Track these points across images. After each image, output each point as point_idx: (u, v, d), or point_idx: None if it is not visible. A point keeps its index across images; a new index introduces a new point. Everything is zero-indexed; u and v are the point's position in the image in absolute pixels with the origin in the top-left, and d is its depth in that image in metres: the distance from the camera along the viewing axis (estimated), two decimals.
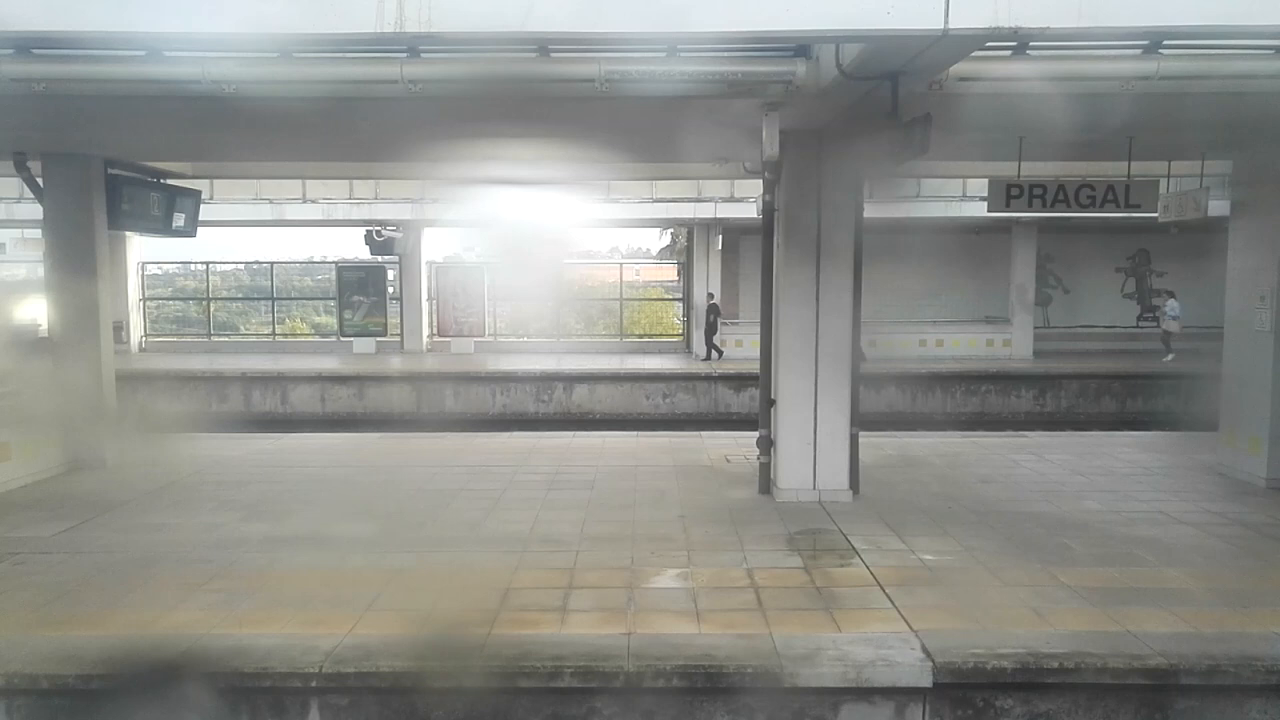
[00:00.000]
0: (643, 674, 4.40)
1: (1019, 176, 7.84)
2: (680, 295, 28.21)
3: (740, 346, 20.78)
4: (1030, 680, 4.40)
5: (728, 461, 9.10)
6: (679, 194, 18.59)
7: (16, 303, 23.77)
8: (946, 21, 4.12)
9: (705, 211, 18.63)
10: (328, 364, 19.50)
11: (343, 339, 22.38)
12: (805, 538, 6.45)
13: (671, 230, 30.51)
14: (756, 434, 10.48)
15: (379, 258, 21.92)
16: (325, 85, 5.67)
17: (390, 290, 22.82)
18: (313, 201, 18.82)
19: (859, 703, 4.45)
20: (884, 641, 4.62)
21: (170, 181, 10.03)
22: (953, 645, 4.53)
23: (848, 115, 6.33)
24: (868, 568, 5.78)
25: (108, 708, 4.43)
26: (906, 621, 4.87)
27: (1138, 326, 22.75)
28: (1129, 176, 7.74)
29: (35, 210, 18.09)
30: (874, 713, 4.45)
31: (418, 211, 19.57)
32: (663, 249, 33.34)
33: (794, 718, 4.48)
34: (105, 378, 8.82)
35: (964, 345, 21.25)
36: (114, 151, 8.91)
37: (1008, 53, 5.50)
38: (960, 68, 5.37)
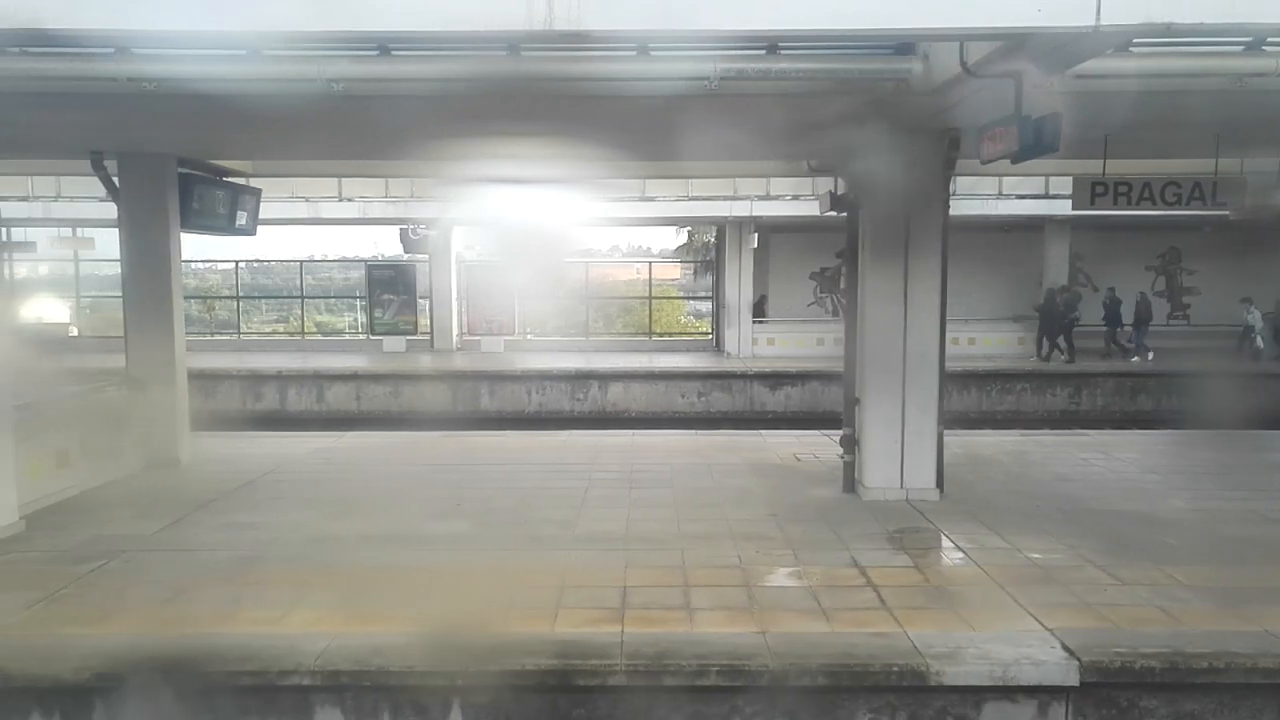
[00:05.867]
0: (787, 672, 4.39)
1: (1104, 174, 7.81)
2: (709, 294, 28.29)
3: (772, 345, 20.82)
4: (1178, 680, 4.39)
5: (798, 460, 9.09)
6: (714, 192, 18.57)
7: (40, 302, 23.93)
8: (1098, 17, 4.09)
9: (741, 210, 18.61)
10: (360, 363, 19.51)
11: (372, 337, 22.39)
12: (906, 536, 6.43)
13: (689, 229, 30.57)
14: (818, 432, 10.64)
15: (408, 256, 21.94)
16: (433, 84, 5.68)
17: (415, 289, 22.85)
18: (349, 200, 18.81)
19: (1001, 701, 4.44)
20: (1023, 640, 4.61)
21: (234, 180, 10.03)
22: (1094, 644, 4.52)
23: (944, 112, 6.32)
24: (979, 566, 5.77)
25: (253, 704, 4.43)
26: (1037, 620, 4.86)
27: (1168, 325, 22.67)
28: (1215, 173, 7.71)
29: (71, 209, 18.35)
30: (1017, 711, 4.45)
31: (447, 210, 19.57)
32: (679, 247, 33.32)
33: (936, 716, 4.47)
34: (179, 377, 8.83)
35: (995, 344, 21.21)
36: (185, 150, 8.91)
37: (1109, 49, 5.47)
38: None
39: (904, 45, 5.67)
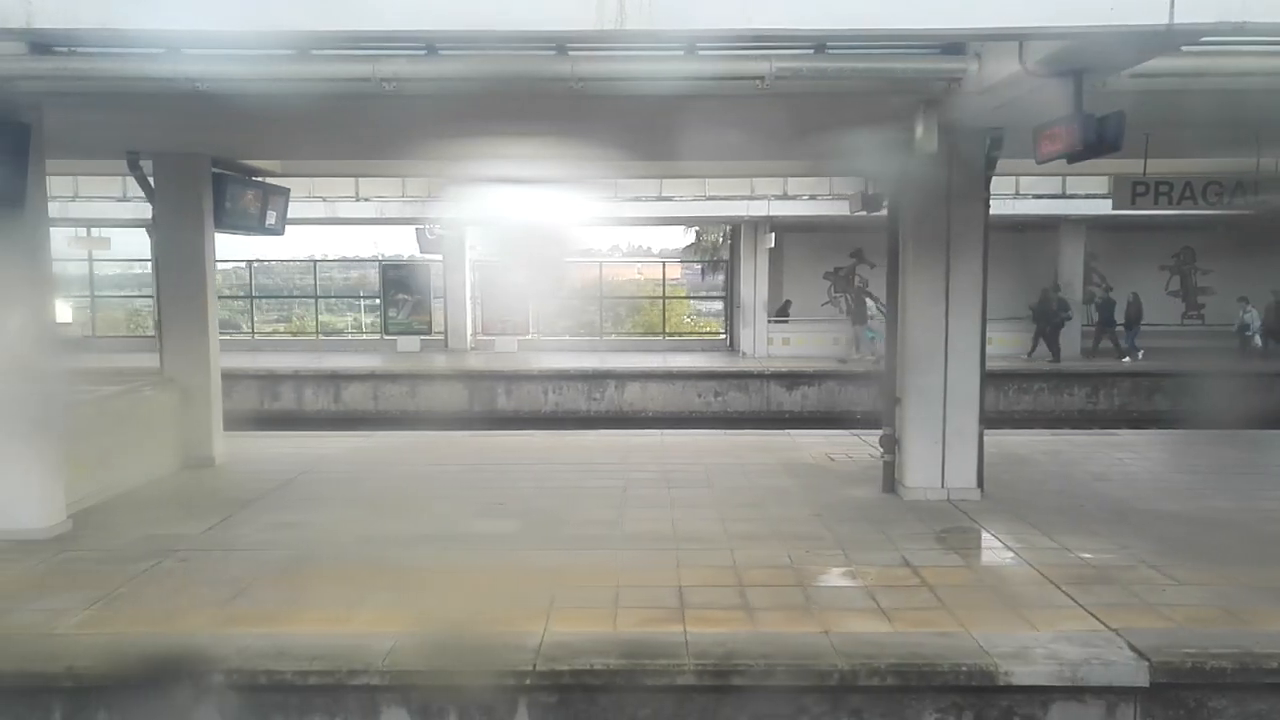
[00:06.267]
0: (856, 672, 4.39)
1: (1144, 174, 7.80)
2: (717, 293, 28.29)
3: (788, 345, 20.80)
4: (1248, 680, 4.39)
5: (832, 460, 9.08)
6: (731, 192, 18.58)
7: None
8: (1171, 16, 4.10)
9: (758, 209, 18.62)
10: (375, 362, 19.51)
11: (386, 337, 22.40)
12: (954, 536, 6.43)
13: (696, 229, 30.54)
14: (847, 432, 10.64)
15: (423, 256, 21.95)
16: (484, 83, 5.67)
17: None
18: (366, 200, 18.82)
19: (1069, 701, 4.44)
20: (1089, 640, 4.61)
21: (264, 179, 10.03)
22: (1162, 645, 4.52)
23: (990, 111, 6.31)
24: (1031, 566, 5.76)
25: (320, 703, 4.43)
26: (1100, 620, 4.85)
27: (1182, 325, 22.66)
28: (1258, 171, 7.71)
29: (88, 209, 18.36)
30: (1084, 712, 4.44)
31: (463, 210, 19.58)
32: (687, 247, 33.28)
33: (1002, 716, 4.47)
34: (214, 377, 8.84)
35: (1010, 344, 21.16)
36: (219, 150, 8.91)
37: (1178, 47, 5.46)
38: None
39: (953, 44, 5.66)
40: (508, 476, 8.35)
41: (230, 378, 17.58)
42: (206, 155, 8.74)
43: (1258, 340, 19.50)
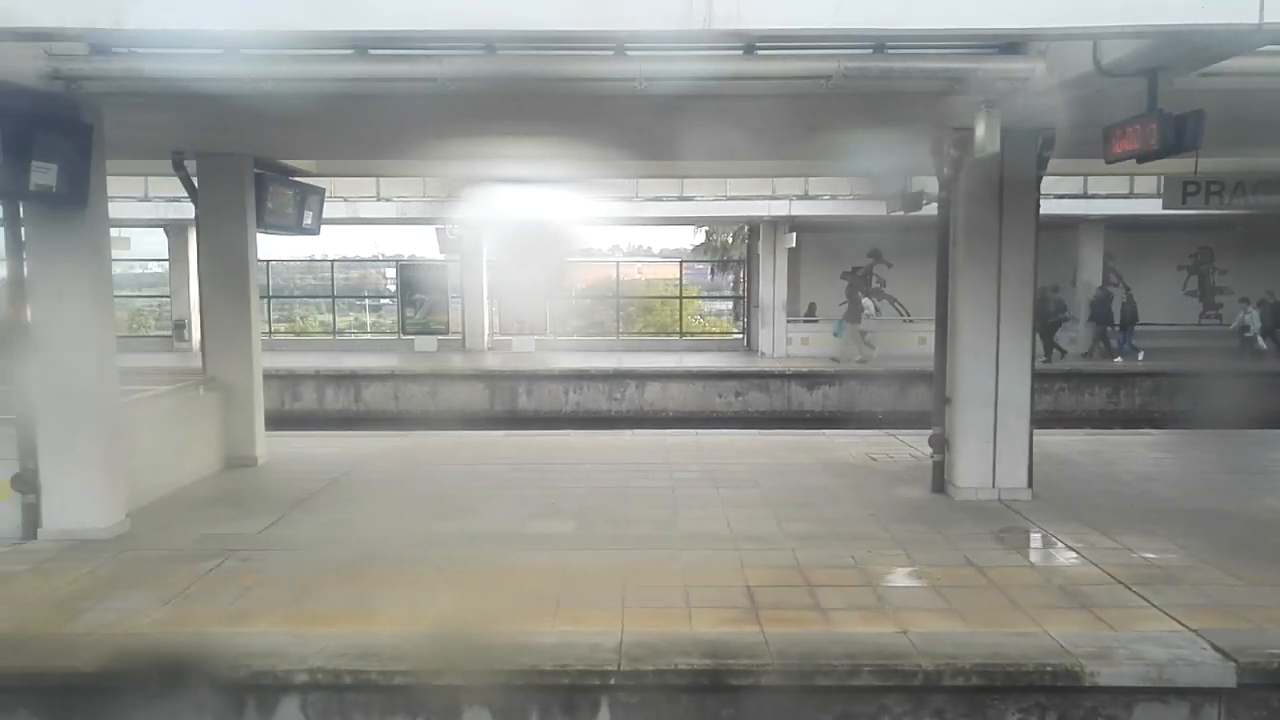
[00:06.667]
0: (941, 672, 4.38)
1: (1195, 173, 7.79)
2: (727, 293, 28.30)
3: (806, 344, 20.79)
4: None
5: (873, 460, 9.07)
6: (752, 191, 18.57)
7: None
8: (1261, 15, 4.09)
9: (780, 209, 18.62)
10: (394, 362, 19.51)
11: (403, 337, 22.41)
12: (1013, 536, 6.43)
13: (706, 229, 30.51)
14: (882, 432, 10.63)
15: (444, 256, 21.96)
16: (545, 82, 5.67)
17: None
18: (386, 200, 18.83)
19: (1153, 702, 4.43)
20: (1171, 641, 4.60)
21: (301, 179, 10.04)
22: (1246, 645, 4.51)
23: (1049, 111, 6.30)
24: (1096, 566, 5.75)
25: (402, 702, 4.44)
26: (1178, 621, 4.84)
27: (1199, 325, 22.65)
28: None
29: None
30: (1168, 713, 4.43)
31: (483, 210, 19.56)
32: (697, 247, 33.26)
33: (1086, 716, 4.46)
34: (256, 376, 8.84)
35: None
36: (260, 149, 8.91)
37: (1263, 46, 5.43)
38: None
39: (1012, 44, 5.66)
40: (551, 476, 8.35)
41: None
42: (249, 155, 8.75)
43: (1260, 341, 19.52)
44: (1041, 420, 8.08)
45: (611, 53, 5.46)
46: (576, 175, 18.00)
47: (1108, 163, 5.45)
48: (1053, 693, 4.43)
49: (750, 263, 22.83)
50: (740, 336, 23.53)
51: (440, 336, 22.27)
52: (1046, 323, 19.09)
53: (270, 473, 8.55)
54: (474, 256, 21.97)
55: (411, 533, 6.50)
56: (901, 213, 9.88)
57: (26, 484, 6.10)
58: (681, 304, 24.07)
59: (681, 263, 25.60)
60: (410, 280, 22.49)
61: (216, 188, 8.59)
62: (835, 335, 19.87)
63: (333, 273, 24.85)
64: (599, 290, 24.77)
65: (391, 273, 25.18)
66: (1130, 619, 4.91)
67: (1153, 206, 16.42)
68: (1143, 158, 5.16)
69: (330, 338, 23.83)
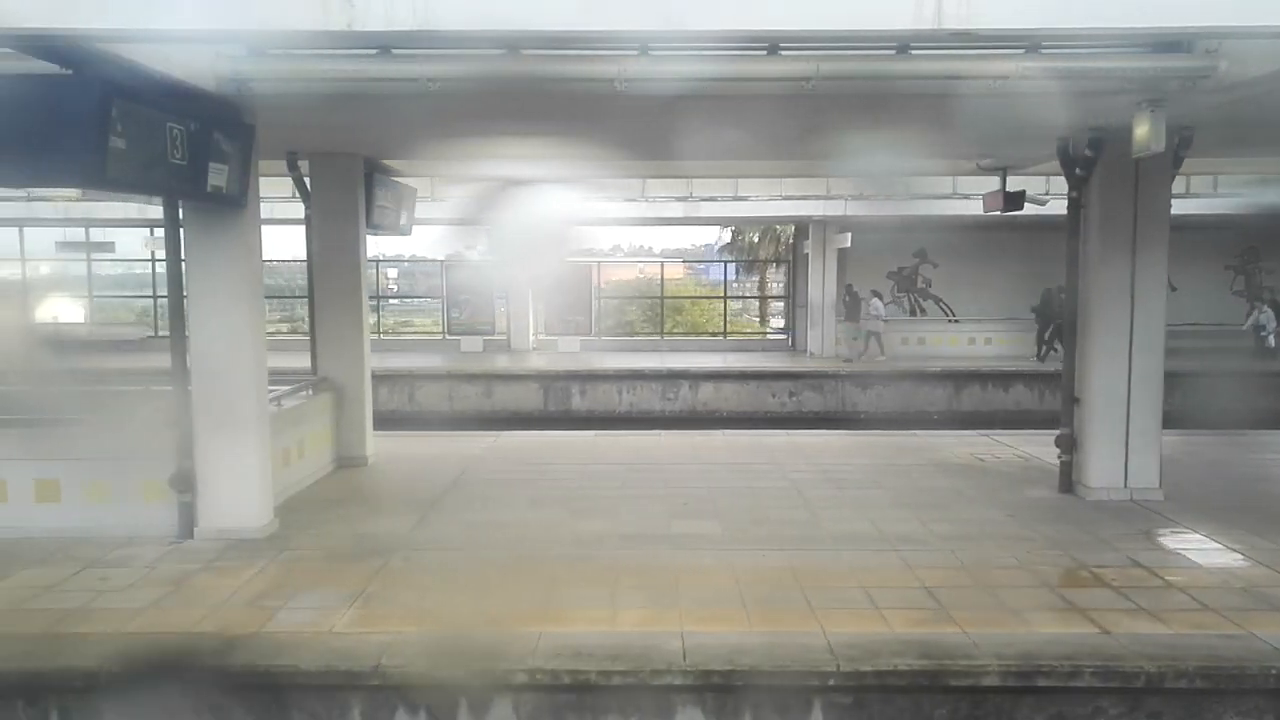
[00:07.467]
0: (1164, 674, 4.36)
1: None
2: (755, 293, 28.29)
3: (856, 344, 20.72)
4: None
5: (980, 460, 9.05)
6: (807, 191, 18.53)
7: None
8: None
9: (835, 209, 18.57)
10: (442, 362, 19.54)
11: (449, 337, 22.41)
12: (1168, 537, 6.40)
13: (732, 229, 30.46)
14: (975, 433, 10.61)
15: (490, 256, 21.92)
16: (716, 83, 5.66)
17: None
18: (439, 200, 18.81)
19: None
20: None
21: (399, 179, 10.04)
22: None
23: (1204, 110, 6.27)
24: (1269, 568, 5.72)
25: (613, 703, 4.43)
26: None
27: (1244, 325, 22.53)
28: None
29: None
30: None
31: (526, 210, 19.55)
32: (723, 247, 33.23)
33: None
34: (366, 376, 8.85)
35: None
36: (370, 150, 8.92)
37: None
38: None
39: (1171, 43, 5.64)
40: (668, 476, 8.33)
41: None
42: (360, 155, 8.75)
43: (1272, 340, 19.44)
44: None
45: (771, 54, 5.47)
46: (639, 174, 17.92)
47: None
48: (1275, 696, 4.41)
49: (795, 262, 22.79)
50: (785, 336, 23.50)
51: (486, 337, 22.29)
52: (1052, 322, 19.03)
53: (383, 472, 8.56)
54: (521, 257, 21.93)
55: (561, 534, 6.49)
56: (999, 212, 9.84)
57: (184, 483, 6.10)
58: (726, 304, 24.04)
59: (725, 263, 25.52)
60: (456, 281, 22.50)
61: (330, 188, 8.61)
62: (861, 337, 19.85)
63: (378, 272, 24.82)
64: (640, 291, 24.76)
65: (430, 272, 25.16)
66: None
67: (1195, 206, 16.51)
68: None
69: (376, 337, 23.82)
